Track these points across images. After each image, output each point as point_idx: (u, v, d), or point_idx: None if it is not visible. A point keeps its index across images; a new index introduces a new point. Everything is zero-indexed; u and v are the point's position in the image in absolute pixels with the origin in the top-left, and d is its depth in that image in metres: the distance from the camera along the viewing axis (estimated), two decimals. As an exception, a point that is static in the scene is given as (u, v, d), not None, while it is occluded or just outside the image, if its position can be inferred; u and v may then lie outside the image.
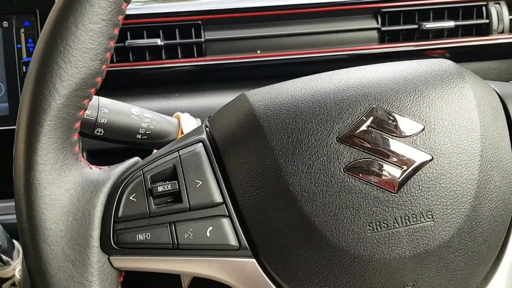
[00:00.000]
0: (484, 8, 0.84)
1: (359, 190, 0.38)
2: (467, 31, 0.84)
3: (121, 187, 0.40)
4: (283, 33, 0.81)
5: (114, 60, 0.77)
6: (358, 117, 0.40)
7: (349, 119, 0.40)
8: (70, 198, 0.38)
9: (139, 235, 0.39)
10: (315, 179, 0.39)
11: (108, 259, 0.39)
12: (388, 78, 0.42)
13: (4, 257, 0.64)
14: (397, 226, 0.39)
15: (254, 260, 0.40)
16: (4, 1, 0.70)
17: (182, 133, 0.57)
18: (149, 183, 0.40)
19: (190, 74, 0.79)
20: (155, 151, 0.61)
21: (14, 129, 0.69)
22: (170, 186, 0.40)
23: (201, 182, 0.41)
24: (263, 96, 0.43)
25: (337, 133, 0.39)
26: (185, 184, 0.40)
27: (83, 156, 0.72)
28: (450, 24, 0.83)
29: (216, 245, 0.39)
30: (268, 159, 0.40)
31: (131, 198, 0.40)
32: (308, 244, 0.38)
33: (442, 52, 0.85)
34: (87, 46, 0.37)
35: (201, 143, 0.43)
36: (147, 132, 0.54)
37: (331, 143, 0.39)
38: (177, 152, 0.42)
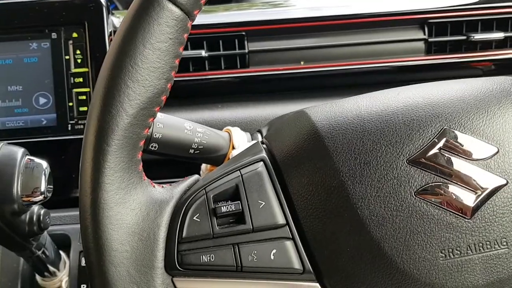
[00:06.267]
0: (535, 18, 0.81)
1: (431, 215, 0.37)
2: (516, 42, 0.82)
3: (184, 207, 0.39)
4: (327, 44, 0.79)
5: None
6: (430, 138, 0.38)
7: (420, 141, 0.38)
8: (135, 218, 0.37)
9: (203, 256, 0.38)
10: (384, 202, 0.37)
11: (172, 280, 0.38)
12: (458, 97, 0.41)
13: (51, 268, 0.64)
14: (471, 253, 0.37)
15: (317, 284, 0.39)
16: (53, 12, 0.70)
17: (233, 147, 0.57)
18: (212, 203, 0.40)
19: (233, 85, 0.79)
20: (203, 165, 0.60)
21: (62, 139, 0.70)
22: (233, 207, 0.39)
23: (264, 203, 0.40)
24: (326, 114, 0.42)
25: (407, 155, 0.38)
26: (248, 204, 0.39)
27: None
28: (499, 35, 0.80)
29: (280, 268, 0.38)
30: (334, 180, 0.39)
31: (194, 218, 0.39)
32: (376, 270, 0.37)
33: (490, 63, 0.83)
34: (154, 65, 0.37)
35: (262, 162, 0.42)
36: (199, 147, 0.54)
37: (401, 165, 0.38)
38: (238, 171, 0.41)
